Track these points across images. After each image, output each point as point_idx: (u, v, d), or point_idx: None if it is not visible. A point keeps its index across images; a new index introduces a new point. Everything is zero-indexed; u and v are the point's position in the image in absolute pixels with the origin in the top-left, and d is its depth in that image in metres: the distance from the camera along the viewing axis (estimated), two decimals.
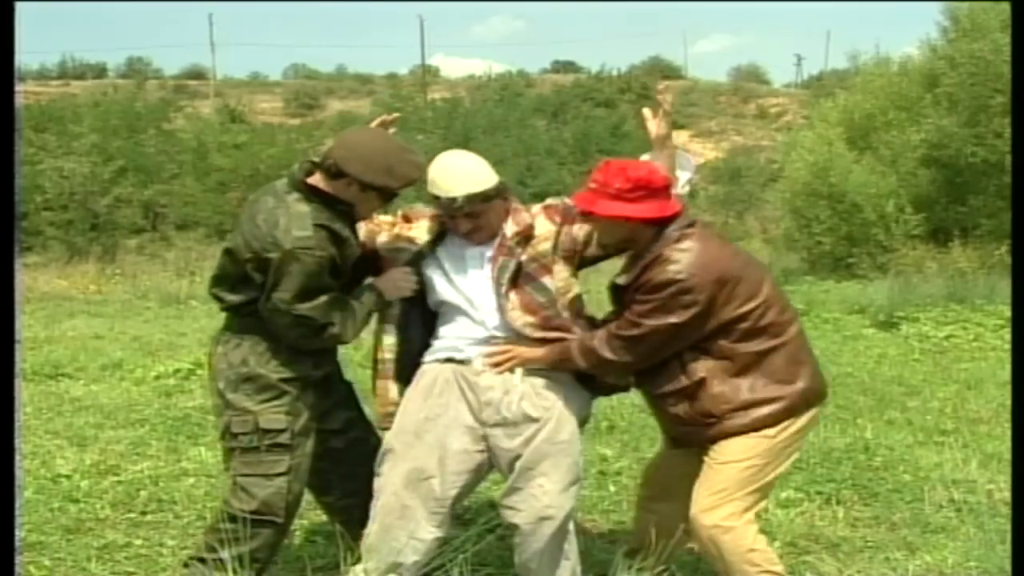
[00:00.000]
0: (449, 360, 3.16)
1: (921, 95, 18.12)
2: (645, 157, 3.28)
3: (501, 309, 3.11)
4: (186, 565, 3.11)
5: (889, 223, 17.54)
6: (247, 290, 3.01)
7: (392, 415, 3.17)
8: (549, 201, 3.30)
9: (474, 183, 3.07)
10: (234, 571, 2.99)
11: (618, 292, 3.15)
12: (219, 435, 3.12)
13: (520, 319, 3.11)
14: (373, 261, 3.25)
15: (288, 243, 2.88)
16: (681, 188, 3.28)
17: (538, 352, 3.10)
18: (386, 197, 3.07)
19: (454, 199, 3.05)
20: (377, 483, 3.13)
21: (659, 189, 3.02)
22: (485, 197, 3.08)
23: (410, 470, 3.08)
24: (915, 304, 10.60)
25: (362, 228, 3.20)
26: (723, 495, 3.04)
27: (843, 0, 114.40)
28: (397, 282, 3.14)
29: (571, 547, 3.19)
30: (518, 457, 3.07)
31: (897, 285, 11.77)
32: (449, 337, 3.19)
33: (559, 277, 3.18)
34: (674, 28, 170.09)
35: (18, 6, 2.35)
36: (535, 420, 3.07)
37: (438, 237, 3.21)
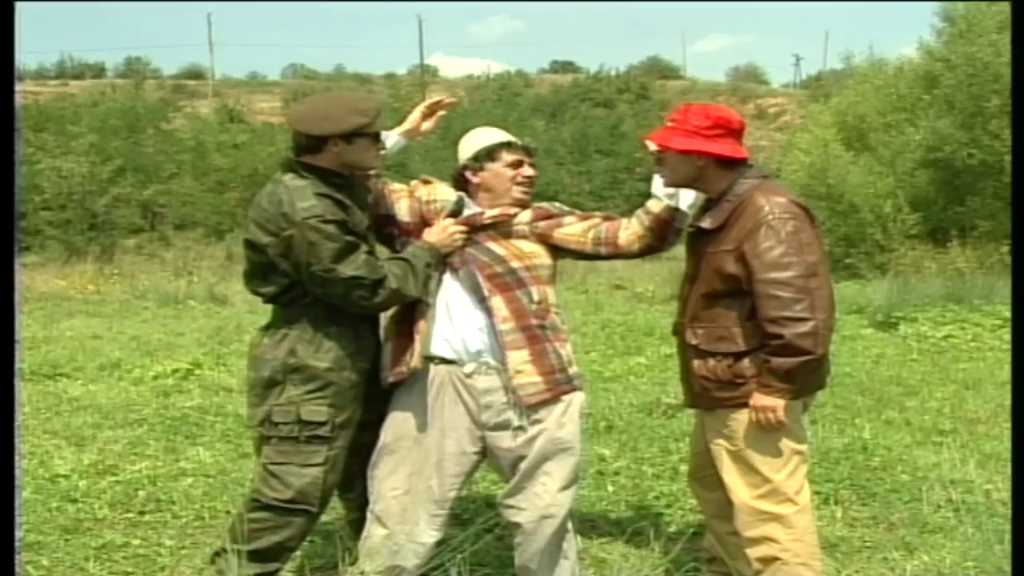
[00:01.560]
0: (442, 361, 3.12)
1: (919, 96, 18.15)
2: (657, 178, 3.24)
3: (487, 311, 3.08)
4: (216, 557, 3.09)
5: (887, 223, 17.57)
6: (277, 278, 3.01)
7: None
8: (541, 204, 3.30)
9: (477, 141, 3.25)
10: (267, 560, 3.00)
11: (698, 237, 3.14)
12: (254, 423, 3.09)
13: (505, 325, 3.07)
14: (411, 232, 3.23)
15: (298, 216, 2.90)
16: (687, 206, 3.22)
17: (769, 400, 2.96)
18: (373, 138, 3.10)
19: (535, 149, 3.29)
20: (373, 486, 3.13)
21: (736, 131, 3.09)
22: (488, 152, 3.20)
23: (409, 474, 3.10)
24: (913, 304, 10.61)
25: (402, 207, 3.25)
26: (761, 481, 3.03)
27: (841, 0, 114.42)
28: (448, 232, 3.13)
29: (570, 546, 3.20)
30: (521, 457, 3.08)
31: (895, 285, 11.77)
32: (440, 334, 3.14)
33: (528, 248, 3.17)
34: (673, 28, 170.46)
35: (17, 6, 2.35)
36: (537, 420, 3.07)
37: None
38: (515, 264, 3.12)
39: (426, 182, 3.33)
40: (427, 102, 3.39)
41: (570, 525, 3.20)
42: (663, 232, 3.22)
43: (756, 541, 3.06)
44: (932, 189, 17.93)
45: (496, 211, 3.17)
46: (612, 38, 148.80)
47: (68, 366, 7.86)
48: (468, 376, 3.09)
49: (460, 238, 3.13)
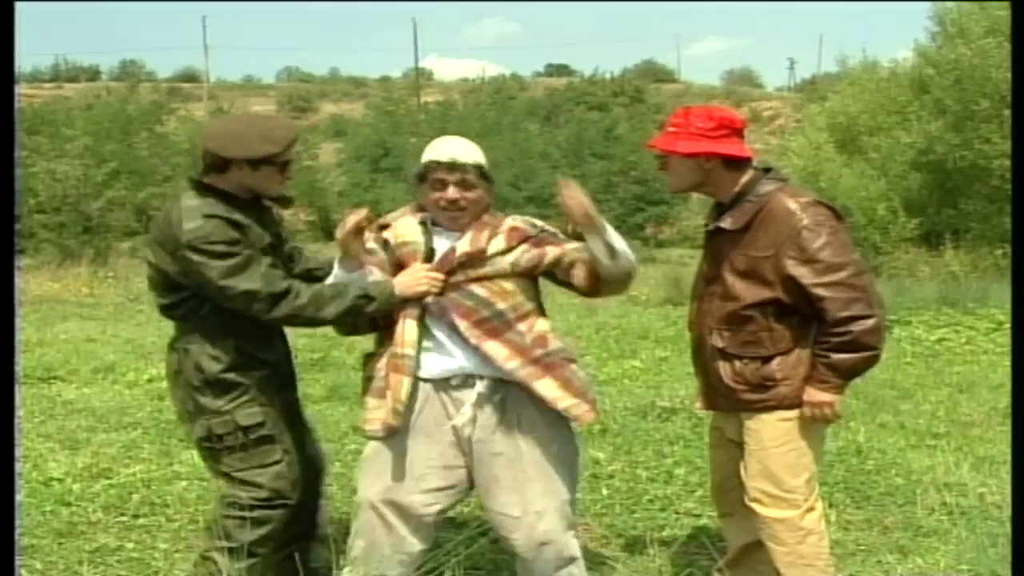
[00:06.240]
0: (427, 379, 3.02)
1: (910, 99, 18.21)
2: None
3: (480, 356, 2.97)
4: (201, 560, 3.13)
5: (880, 227, 17.62)
6: (178, 291, 3.04)
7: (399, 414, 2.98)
8: (515, 223, 3.13)
9: (480, 156, 3.05)
10: (254, 553, 3.04)
11: (717, 237, 3.10)
12: (196, 440, 3.17)
13: (510, 363, 2.96)
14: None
15: (184, 237, 2.92)
16: (615, 256, 2.95)
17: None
18: (281, 167, 3.06)
19: (463, 164, 2.98)
20: (358, 498, 3.11)
21: (740, 130, 3.08)
22: (482, 174, 3.03)
23: (390, 487, 3.02)
24: (907, 307, 10.62)
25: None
26: (776, 483, 3.03)
27: (836, 1, 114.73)
28: (416, 277, 2.98)
29: (579, 571, 3.13)
30: (506, 470, 3.01)
31: (889, 289, 11.79)
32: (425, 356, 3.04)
33: (510, 286, 3.01)
34: (668, 31, 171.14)
35: (16, 7, 2.34)
36: (523, 432, 3.02)
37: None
38: (501, 305, 2.98)
39: (383, 226, 3.15)
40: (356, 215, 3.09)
41: (577, 551, 3.17)
42: (594, 282, 3.04)
43: (767, 540, 3.07)
44: (925, 192, 18.00)
45: (467, 246, 3.00)
46: (607, 41, 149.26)
47: (62, 369, 7.85)
48: (454, 389, 3.02)
49: (429, 284, 2.96)
